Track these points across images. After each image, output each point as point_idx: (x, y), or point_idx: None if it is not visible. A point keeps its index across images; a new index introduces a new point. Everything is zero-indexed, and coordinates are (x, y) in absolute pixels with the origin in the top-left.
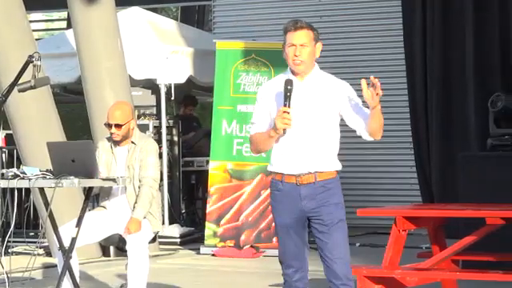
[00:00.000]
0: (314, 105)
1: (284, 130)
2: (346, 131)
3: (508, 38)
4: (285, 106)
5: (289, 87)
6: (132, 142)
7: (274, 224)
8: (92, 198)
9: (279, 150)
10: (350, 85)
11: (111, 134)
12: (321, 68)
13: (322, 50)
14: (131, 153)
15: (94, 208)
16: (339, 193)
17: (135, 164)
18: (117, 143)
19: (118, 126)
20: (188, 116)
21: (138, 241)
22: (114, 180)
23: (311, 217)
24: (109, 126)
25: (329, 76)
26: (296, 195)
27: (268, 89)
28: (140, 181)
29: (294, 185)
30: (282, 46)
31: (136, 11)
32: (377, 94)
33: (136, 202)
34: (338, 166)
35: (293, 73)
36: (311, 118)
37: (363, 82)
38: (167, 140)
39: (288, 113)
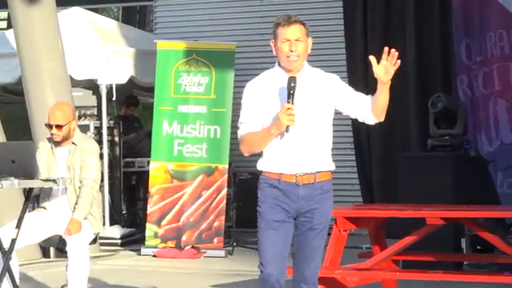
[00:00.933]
0: (310, 102)
1: (287, 127)
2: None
3: (448, 40)
4: (288, 103)
5: (292, 84)
6: (73, 143)
7: (214, 224)
8: (32, 198)
9: (276, 149)
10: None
11: (52, 134)
12: (267, 66)
13: (270, 51)
14: (72, 153)
15: (34, 209)
16: (332, 195)
17: (76, 165)
18: (57, 144)
19: (59, 126)
20: (129, 116)
21: (79, 242)
22: (54, 181)
23: (303, 217)
24: (49, 126)
25: (318, 71)
26: (294, 195)
27: (256, 86)
28: (81, 182)
29: (294, 184)
30: (223, 46)
31: (77, 11)
32: (394, 65)
33: (76, 203)
34: (333, 167)
35: (284, 70)
36: (309, 115)
37: (372, 59)
38: (108, 141)
39: (292, 109)
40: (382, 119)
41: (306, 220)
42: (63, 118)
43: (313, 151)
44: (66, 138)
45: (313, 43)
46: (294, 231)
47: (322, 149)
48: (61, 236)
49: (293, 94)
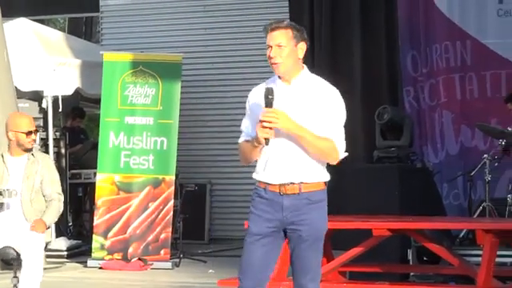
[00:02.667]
0: (300, 110)
1: (266, 140)
2: (227, 143)
3: (394, 51)
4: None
5: (270, 96)
6: (32, 154)
7: (161, 236)
8: None
9: (264, 158)
10: (231, 97)
11: (29, 141)
12: (214, 78)
13: (214, 62)
14: (31, 164)
15: None
16: (324, 206)
17: (36, 176)
18: (10, 153)
19: (35, 131)
20: (75, 128)
21: (36, 250)
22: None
23: (290, 229)
24: (30, 133)
25: (319, 80)
26: (278, 205)
27: (254, 95)
28: (45, 196)
29: (278, 194)
30: (170, 57)
31: (23, 22)
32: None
33: (46, 210)
34: (325, 177)
35: (279, 77)
36: None
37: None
38: (54, 152)
39: (269, 122)
40: (331, 162)
41: (295, 232)
42: (34, 123)
43: (298, 161)
44: None
45: (307, 46)
46: (285, 243)
47: (308, 159)
48: (13, 247)
49: (271, 105)
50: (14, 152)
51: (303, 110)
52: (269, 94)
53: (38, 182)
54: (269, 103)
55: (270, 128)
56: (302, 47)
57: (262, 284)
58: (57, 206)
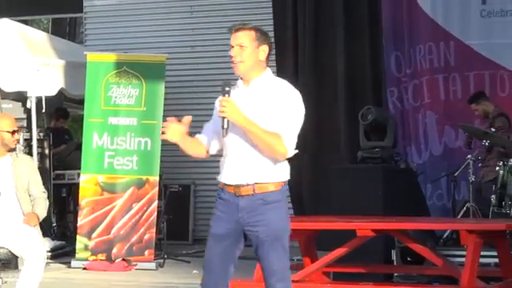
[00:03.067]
0: (255, 110)
1: (224, 129)
2: None
3: (378, 52)
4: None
5: (226, 88)
6: (16, 154)
7: (145, 237)
8: None
9: (223, 159)
10: (215, 98)
11: (13, 141)
12: (198, 78)
13: (201, 63)
14: (17, 164)
15: None
16: (281, 206)
17: (23, 176)
18: None
19: (18, 131)
20: (59, 129)
21: (38, 249)
22: None
23: (248, 230)
24: (14, 132)
25: (280, 82)
26: (234, 206)
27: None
28: (32, 195)
29: (234, 195)
30: (154, 58)
31: (6, 23)
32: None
33: (35, 206)
34: (283, 177)
35: (241, 78)
36: None
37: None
38: (38, 153)
39: (228, 101)
40: (282, 157)
41: (253, 233)
42: (13, 123)
43: (252, 162)
44: None
45: (269, 49)
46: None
47: (263, 160)
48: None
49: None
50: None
51: (258, 110)
52: (226, 85)
53: (26, 181)
54: (224, 94)
55: (223, 117)
56: (265, 49)
57: (223, 283)
58: (44, 202)
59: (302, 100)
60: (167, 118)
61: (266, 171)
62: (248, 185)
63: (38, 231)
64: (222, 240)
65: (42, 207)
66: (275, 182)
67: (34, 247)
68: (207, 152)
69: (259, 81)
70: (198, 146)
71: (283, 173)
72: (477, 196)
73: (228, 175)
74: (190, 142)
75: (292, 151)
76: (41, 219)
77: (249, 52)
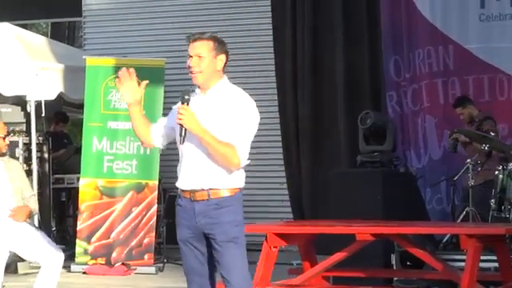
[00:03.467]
0: (210, 119)
1: (181, 137)
2: None
3: (377, 56)
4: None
5: (186, 97)
6: (8, 159)
7: (145, 241)
8: None
9: (180, 165)
10: None
11: (4, 146)
12: (193, 84)
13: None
14: (10, 168)
15: None
16: (236, 211)
17: (16, 180)
18: None
19: (4, 137)
20: (59, 133)
21: (57, 253)
22: None
23: (206, 234)
24: (4, 138)
25: (235, 90)
26: (191, 211)
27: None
28: (24, 199)
29: (190, 200)
30: (153, 62)
31: (5, 27)
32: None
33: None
34: (237, 184)
35: (199, 86)
36: None
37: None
38: (37, 157)
39: (185, 109)
40: (236, 167)
41: (210, 237)
42: (4, 129)
43: (207, 169)
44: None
45: (227, 59)
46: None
47: (217, 166)
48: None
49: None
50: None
51: (213, 119)
52: (185, 94)
53: (20, 185)
54: (183, 103)
55: (181, 125)
56: (222, 59)
57: (206, 286)
58: (34, 199)
59: (255, 109)
60: (130, 71)
61: (221, 177)
62: (203, 190)
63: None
64: (191, 243)
65: (33, 203)
66: (230, 187)
67: (52, 251)
68: (152, 141)
69: (215, 89)
70: (147, 129)
71: (238, 179)
72: (467, 200)
73: (184, 181)
74: (141, 117)
75: (245, 161)
76: (35, 212)
77: (207, 62)
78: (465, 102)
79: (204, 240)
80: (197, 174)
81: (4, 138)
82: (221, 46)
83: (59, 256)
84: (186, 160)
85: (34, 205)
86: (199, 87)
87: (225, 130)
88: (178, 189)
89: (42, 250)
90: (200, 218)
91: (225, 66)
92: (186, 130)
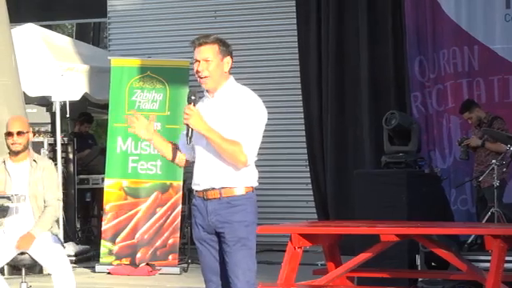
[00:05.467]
0: (219, 120)
1: (188, 138)
2: None
3: (402, 56)
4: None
5: (192, 97)
6: (34, 161)
7: (169, 241)
8: None
9: (194, 166)
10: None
11: (12, 144)
12: None
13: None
14: (34, 170)
15: None
16: (247, 210)
17: (38, 182)
18: (11, 159)
19: (20, 133)
20: (83, 133)
21: (60, 259)
22: (8, 198)
23: (218, 233)
24: (10, 134)
25: (241, 90)
26: (204, 210)
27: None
28: (45, 201)
29: (203, 200)
30: (177, 63)
31: (31, 28)
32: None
33: (39, 217)
34: (249, 183)
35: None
36: None
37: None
38: (62, 157)
39: (191, 109)
40: (242, 165)
41: (221, 235)
42: (23, 125)
43: (218, 167)
44: (23, 150)
45: (232, 60)
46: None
47: (228, 165)
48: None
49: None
50: (14, 158)
51: (222, 120)
52: (192, 94)
53: (41, 188)
54: (190, 103)
55: (187, 125)
56: (228, 61)
57: (225, 284)
58: (51, 212)
59: (262, 106)
60: (134, 114)
61: (232, 176)
62: (214, 189)
63: (56, 236)
64: (206, 244)
65: (46, 220)
66: (241, 186)
67: (58, 260)
68: (186, 159)
69: (223, 91)
70: (175, 152)
71: (250, 178)
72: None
73: (197, 181)
74: (164, 144)
75: (252, 158)
76: (44, 230)
77: (214, 66)
78: (471, 106)
79: (217, 239)
80: (208, 174)
81: (9, 135)
82: (226, 48)
83: (66, 264)
84: (198, 160)
85: (46, 218)
86: (207, 91)
87: (233, 130)
88: None
89: (49, 258)
90: (212, 216)
91: (231, 67)
92: (192, 129)
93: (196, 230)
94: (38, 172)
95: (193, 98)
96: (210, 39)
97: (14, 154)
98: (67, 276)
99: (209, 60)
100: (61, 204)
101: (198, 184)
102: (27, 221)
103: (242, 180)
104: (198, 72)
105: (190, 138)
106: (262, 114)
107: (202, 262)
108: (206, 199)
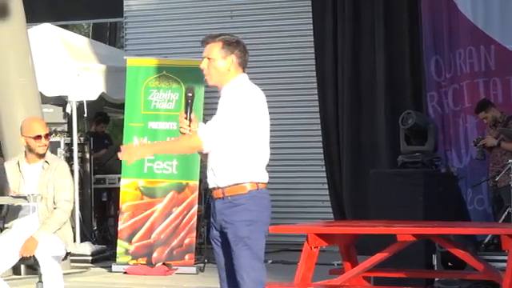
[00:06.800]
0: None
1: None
2: None
3: (418, 56)
4: (185, 112)
5: (189, 94)
6: (46, 161)
7: (186, 241)
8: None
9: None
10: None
11: (39, 146)
12: None
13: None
14: (46, 172)
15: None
16: (250, 209)
17: (49, 184)
18: (26, 160)
19: (47, 135)
20: (100, 133)
21: (51, 261)
22: (24, 197)
23: (223, 230)
24: (39, 137)
25: (242, 86)
26: (213, 209)
27: None
28: (55, 203)
29: (212, 199)
30: (193, 62)
31: (47, 28)
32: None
33: (46, 221)
34: (254, 181)
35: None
36: None
37: None
38: (79, 157)
39: (185, 118)
40: (200, 149)
41: (225, 234)
42: (46, 127)
43: (221, 166)
44: (47, 151)
45: (237, 58)
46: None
47: (231, 163)
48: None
49: (190, 104)
50: (30, 159)
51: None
52: (189, 91)
53: (52, 189)
54: (189, 99)
55: (186, 126)
56: (232, 59)
57: (234, 283)
58: (58, 215)
59: (245, 97)
60: (125, 145)
61: (233, 175)
62: (219, 188)
63: (66, 237)
64: (219, 241)
65: (53, 221)
66: (244, 185)
67: (50, 263)
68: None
69: (229, 87)
70: None
71: (254, 176)
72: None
73: (208, 180)
74: (174, 144)
75: (211, 141)
76: (49, 234)
77: (215, 63)
78: (486, 105)
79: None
80: (213, 173)
81: (37, 139)
82: (230, 47)
83: (55, 267)
84: (209, 160)
85: (53, 221)
86: (217, 87)
87: (238, 129)
88: None
89: (42, 255)
90: (218, 215)
91: (239, 65)
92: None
93: (211, 229)
94: (48, 173)
95: (189, 94)
96: (216, 38)
97: (39, 156)
98: (55, 280)
99: (210, 58)
100: (71, 205)
101: (210, 183)
102: (33, 221)
103: (245, 178)
104: (202, 70)
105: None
106: (237, 101)
107: (216, 260)
108: (213, 198)
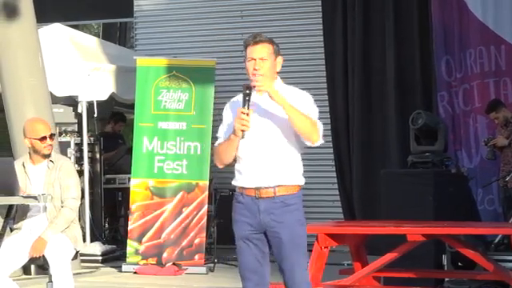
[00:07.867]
0: (271, 117)
1: (243, 132)
2: None
3: (428, 56)
4: (244, 107)
5: (247, 91)
6: (51, 161)
7: (195, 241)
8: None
9: (240, 164)
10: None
11: (44, 147)
12: (241, 87)
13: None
14: (51, 171)
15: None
16: (300, 209)
17: (55, 183)
18: (31, 161)
19: (52, 135)
20: (116, 133)
21: (61, 260)
22: (34, 197)
23: (269, 232)
24: (44, 138)
25: (290, 88)
26: (255, 209)
27: (232, 104)
28: (62, 202)
29: (254, 198)
30: (203, 62)
31: (57, 28)
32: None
33: (53, 220)
34: (301, 181)
35: (254, 87)
36: (270, 131)
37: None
38: (89, 157)
39: (246, 114)
40: (316, 142)
41: (273, 234)
42: (49, 127)
43: (272, 165)
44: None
45: (283, 60)
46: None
47: (283, 163)
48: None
49: (248, 101)
50: (35, 159)
51: (274, 117)
52: (247, 89)
53: (58, 188)
54: (247, 96)
55: (247, 121)
56: (280, 61)
57: (262, 285)
58: (66, 214)
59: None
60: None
61: (285, 174)
62: (269, 187)
63: (76, 237)
64: (249, 242)
65: (61, 221)
66: (294, 185)
67: (60, 263)
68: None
69: (279, 88)
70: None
71: (301, 176)
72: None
73: (248, 179)
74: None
75: (321, 139)
76: (56, 233)
77: (269, 65)
78: (497, 105)
79: (265, 238)
80: (262, 172)
81: (42, 140)
82: (278, 48)
83: (68, 281)
84: (249, 157)
85: (60, 221)
86: (254, 87)
87: (286, 125)
88: (228, 188)
89: (51, 255)
90: (264, 215)
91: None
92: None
93: (241, 227)
94: (54, 172)
95: (248, 91)
96: (264, 38)
97: (44, 156)
98: (65, 280)
99: (264, 59)
100: (78, 203)
101: (248, 182)
102: (42, 221)
103: (295, 178)
104: (255, 70)
105: (244, 133)
106: (316, 107)
107: (241, 260)
108: (258, 197)
